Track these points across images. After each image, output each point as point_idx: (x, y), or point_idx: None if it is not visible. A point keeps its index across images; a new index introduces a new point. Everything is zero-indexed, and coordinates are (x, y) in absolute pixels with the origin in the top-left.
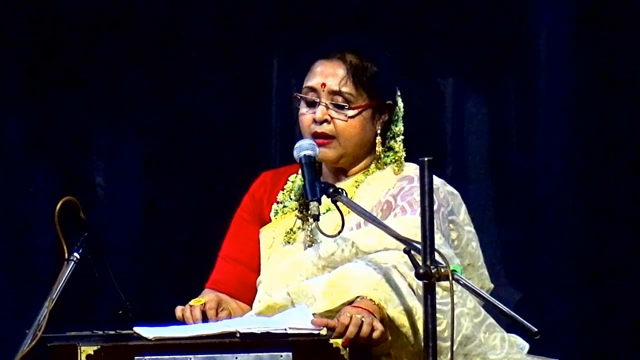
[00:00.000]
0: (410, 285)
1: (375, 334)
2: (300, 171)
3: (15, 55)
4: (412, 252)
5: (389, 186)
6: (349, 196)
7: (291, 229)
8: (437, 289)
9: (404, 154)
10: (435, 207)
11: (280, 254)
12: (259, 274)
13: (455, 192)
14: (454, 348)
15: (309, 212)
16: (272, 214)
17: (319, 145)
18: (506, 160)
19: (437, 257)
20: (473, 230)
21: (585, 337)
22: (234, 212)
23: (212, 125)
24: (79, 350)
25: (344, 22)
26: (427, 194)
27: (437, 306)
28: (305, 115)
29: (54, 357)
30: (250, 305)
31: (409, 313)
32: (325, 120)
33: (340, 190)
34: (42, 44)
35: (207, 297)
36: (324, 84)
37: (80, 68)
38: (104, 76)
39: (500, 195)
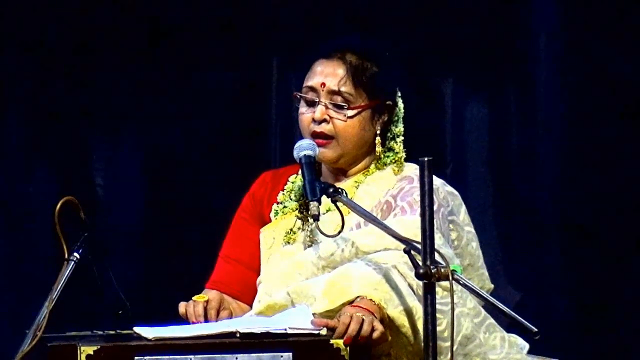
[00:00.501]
0: (410, 285)
1: (376, 334)
2: (300, 171)
3: (15, 54)
4: (412, 252)
5: (388, 186)
6: (349, 196)
7: (291, 229)
8: (437, 289)
9: (404, 154)
10: (435, 207)
11: (280, 254)
12: (259, 274)
13: (455, 192)
14: (454, 348)
15: (309, 212)
16: (272, 215)
17: (318, 145)
18: (506, 160)
19: (437, 257)
20: (473, 231)
21: (585, 337)
22: (234, 212)
23: (212, 125)
24: (78, 350)
25: (344, 22)
26: (427, 194)
27: (437, 306)
28: (305, 114)
29: (54, 357)
30: (250, 306)
31: (409, 313)
32: (324, 120)
33: (340, 190)
34: (42, 43)
35: (210, 295)
36: (323, 84)
37: (80, 68)
38: (104, 76)
39: (500, 195)
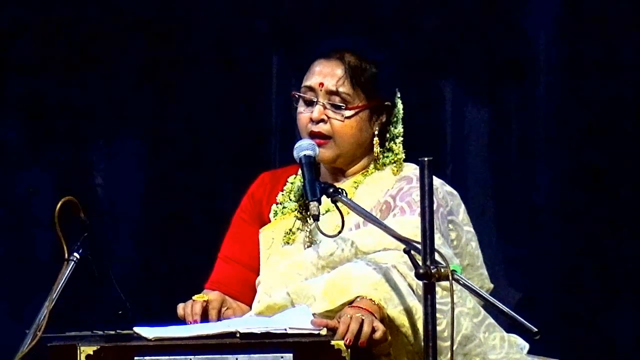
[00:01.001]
0: (410, 285)
1: (377, 335)
2: (299, 171)
3: (14, 54)
4: (412, 252)
5: (387, 187)
6: (349, 196)
7: (290, 230)
8: (437, 289)
9: (403, 155)
10: (434, 207)
11: (279, 254)
12: (258, 275)
13: (455, 192)
14: (454, 348)
15: (309, 212)
16: (271, 215)
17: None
18: (506, 161)
19: (436, 257)
20: (472, 231)
21: (585, 338)
22: (234, 212)
23: (212, 125)
24: (78, 350)
25: (344, 22)
26: (426, 194)
27: (437, 306)
28: (303, 114)
29: (54, 357)
30: (250, 306)
31: (409, 313)
32: (322, 120)
33: (340, 190)
34: (41, 42)
35: (212, 295)
36: (321, 84)
37: (80, 67)
38: (104, 75)
39: (500, 196)
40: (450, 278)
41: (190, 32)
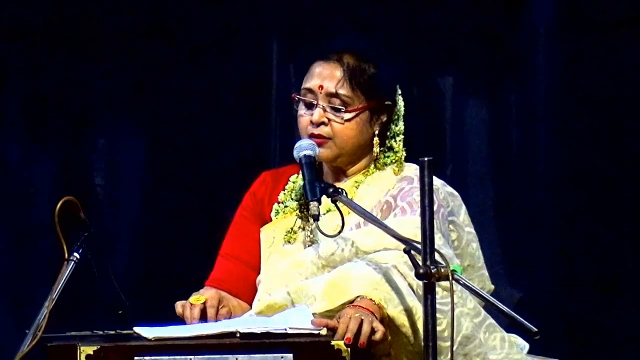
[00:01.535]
0: (410, 285)
1: (377, 335)
2: (300, 171)
3: (14, 53)
4: (412, 252)
5: (388, 187)
6: (349, 196)
7: (291, 229)
8: (437, 289)
9: (404, 154)
10: (435, 207)
11: (280, 253)
12: (259, 273)
13: (455, 193)
14: (454, 348)
15: (309, 212)
16: (272, 214)
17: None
18: (506, 160)
19: (437, 257)
20: (473, 231)
21: (585, 338)
22: (234, 211)
23: (212, 124)
24: (78, 350)
25: (344, 22)
26: (427, 194)
27: (437, 306)
28: (303, 116)
29: (54, 357)
30: (250, 304)
31: (409, 313)
32: (322, 123)
33: (340, 190)
34: (41, 41)
35: (208, 293)
36: (321, 86)
37: (80, 67)
38: (104, 75)
39: (500, 196)
40: (451, 278)
41: (190, 32)
